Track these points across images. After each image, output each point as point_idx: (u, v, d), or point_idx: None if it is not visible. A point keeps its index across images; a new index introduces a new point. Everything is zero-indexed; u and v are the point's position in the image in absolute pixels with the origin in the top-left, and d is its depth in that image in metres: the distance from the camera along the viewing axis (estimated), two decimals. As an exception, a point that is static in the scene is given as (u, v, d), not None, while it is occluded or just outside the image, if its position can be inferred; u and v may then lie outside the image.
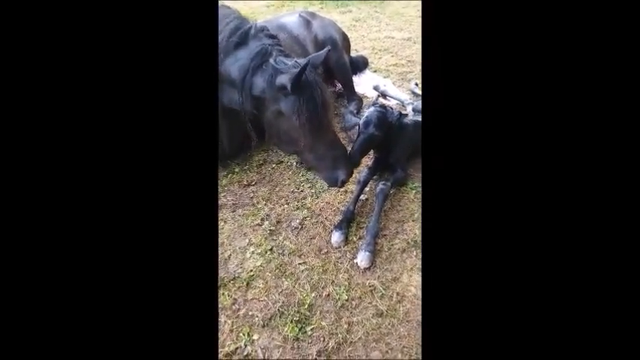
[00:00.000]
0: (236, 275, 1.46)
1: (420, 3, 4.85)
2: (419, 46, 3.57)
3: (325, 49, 1.60)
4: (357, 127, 1.75)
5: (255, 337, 1.25)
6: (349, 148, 1.66)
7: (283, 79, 1.39)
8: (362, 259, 1.47)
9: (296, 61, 1.47)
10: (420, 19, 4.37)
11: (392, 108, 1.84)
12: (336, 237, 1.58)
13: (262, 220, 1.69)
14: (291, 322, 1.28)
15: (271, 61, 1.47)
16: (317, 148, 1.50)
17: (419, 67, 3.13)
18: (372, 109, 1.76)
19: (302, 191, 1.87)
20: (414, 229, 1.63)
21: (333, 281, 1.43)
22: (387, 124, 1.74)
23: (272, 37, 1.63)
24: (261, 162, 2.06)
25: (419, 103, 2.37)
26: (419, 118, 2.07)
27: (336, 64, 2.50)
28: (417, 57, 3.34)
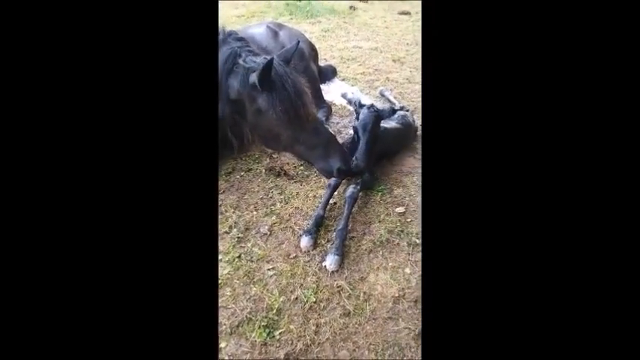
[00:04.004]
0: (203, 284, 1.44)
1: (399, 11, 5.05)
2: (385, 55, 3.72)
3: (294, 43, 1.65)
4: (354, 132, 1.79)
5: (223, 344, 1.23)
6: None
7: (253, 77, 1.42)
8: (331, 262, 1.50)
9: (265, 58, 1.49)
10: (386, 30, 4.55)
11: (381, 106, 1.91)
12: (305, 241, 1.60)
13: (230, 227, 1.69)
14: (259, 327, 1.28)
15: (241, 61, 1.49)
16: (303, 138, 1.51)
17: (385, 76, 3.26)
18: (365, 110, 1.80)
19: (271, 197, 1.88)
20: (379, 230, 1.68)
21: (302, 284, 1.44)
22: (380, 122, 1.80)
23: (240, 39, 1.65)
24: (229, 170, 2.06)
25: (389, 106, 2.45)
26: (386, 124, 2.14)
27: (304, 73, 2.56)
28: (384, 66, 3.47)
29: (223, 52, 1.53)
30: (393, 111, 2.06)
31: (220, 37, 1.59)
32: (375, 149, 1.86)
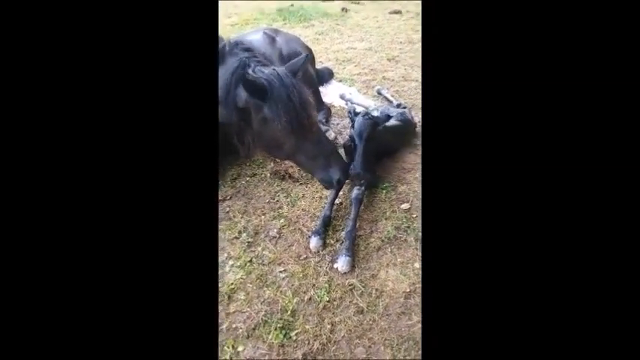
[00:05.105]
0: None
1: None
2: (380, 55, 3.75)
3: (302, 56, 1.70)
4: (351, 140, 1.83)
5: (240, 348, 1.25)
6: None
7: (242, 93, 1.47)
8: (342, 264, 1.51)
9: (274, 69, 1.54)
10: (379, 30, 4.59)
11: (376, 112, 1.95)
12: (314, 242, 1.62)
13: (240, 232, 1.71)
14: (275, 329, 1.30)
15: (249, 71, 1.53)
16: (305, 148, 1.55)
17: (381, 75, 3.29)
18: (360, 118, 1.84)
19: (278, 201, 1.90)
20: (386, 227, 1.70)
21: (314, 285, 1.46)
22: (376, 129, 1.84)
23: (247, 50, 1.70)
24: (235, 176, 2.08)
25: (384, 108, 2.49)
26: (386, 122, 2.17)
27: (302, 76, 2.59)
28: (379, 65, 3.51)
29: (232, 63, 1.57)
30: (388, 117, 2.09)
31: (227, 47, 1.63)
32: (373, 153, 1.89)
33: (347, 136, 2.31)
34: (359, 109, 2.73)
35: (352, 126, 1.88)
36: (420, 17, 5.05)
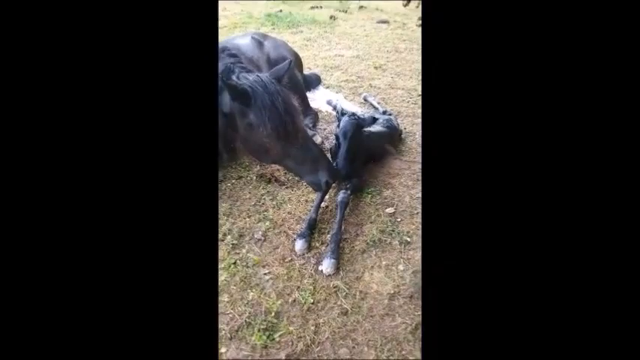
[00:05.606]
0: (200, 292, 1.44)
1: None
2: (367, 63, 3.83)
3: (286, 62, 1.72)
4: (335, 139, 1.86)
5: (223, 350, 1.24)
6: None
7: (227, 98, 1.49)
8: (327, 266, 1.52)
9: (257, 75, 1.56)
10: (366, 38, 4.69)
11: (362, 114, 1.99)
12: (299, 245, 1.62)
13: (224, 235, 1.69)
14: (259, 330, 1.29)
15: (234, 77, 1.54)
16: (292, 153, 1.57)
17: (368, 82, 3.36)
18: (346, 118, 1.88)
19: (263, 204, 1.90)
20: (371, 231, 1.73)
21: (299, 287, 1.46)
22: (360, 130, 1.88)
23: (233, 55, 1.72)
24: (220, 179, 2.06)
25: (371, 114, 2.54)
26: (371, 128, 2.22)
27: (290, 81, 2.61)
28: (366, 73, 3.58)
29: (218, 68, 1.58)
30: (374, 119, 2.15)
31: None
32: (357, 154, 1.93)
33: (334, 141, 2.35)
34: (347, 107, 2.78)
35: (338, 125, 1.93)
36: (406, 27, 5.19)
